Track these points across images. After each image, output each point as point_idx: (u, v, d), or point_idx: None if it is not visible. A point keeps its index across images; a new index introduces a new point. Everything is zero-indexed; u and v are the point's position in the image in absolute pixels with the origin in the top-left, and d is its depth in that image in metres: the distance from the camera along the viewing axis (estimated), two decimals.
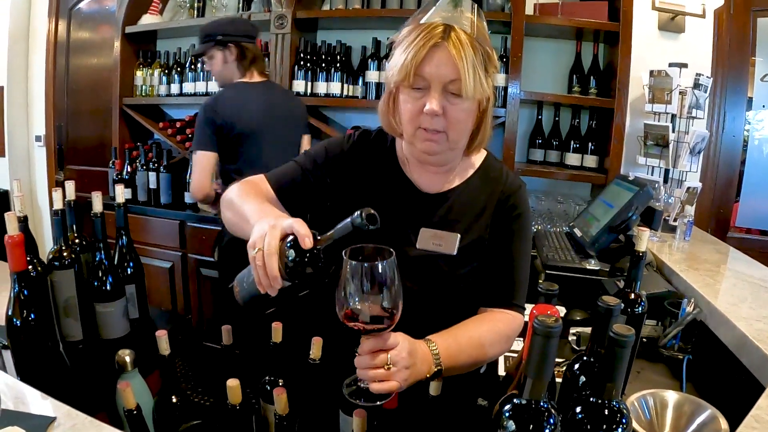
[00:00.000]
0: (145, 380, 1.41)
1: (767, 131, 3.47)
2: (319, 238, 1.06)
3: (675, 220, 2.80)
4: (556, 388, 1.12)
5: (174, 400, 1.35)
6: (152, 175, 3.84)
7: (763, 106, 3.44)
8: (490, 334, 1.40)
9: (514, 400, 0.83)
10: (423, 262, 1.46)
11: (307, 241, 1.05)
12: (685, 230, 2.68)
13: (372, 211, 1.03)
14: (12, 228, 1.31)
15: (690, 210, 2.79)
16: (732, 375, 1.47)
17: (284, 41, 3.56)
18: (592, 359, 1.03)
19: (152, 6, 4.13)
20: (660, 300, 1.82)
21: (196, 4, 4.05)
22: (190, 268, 3.76)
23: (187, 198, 3.80)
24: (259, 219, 1.17)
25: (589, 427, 0.87)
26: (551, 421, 0.81)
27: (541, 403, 0.81)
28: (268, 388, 1.38)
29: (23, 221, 1.51)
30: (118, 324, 1.71)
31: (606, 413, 0.86)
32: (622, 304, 1.21)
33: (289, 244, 1.05)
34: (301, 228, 1.06)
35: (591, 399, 0.88)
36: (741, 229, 3.59)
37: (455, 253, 1.45)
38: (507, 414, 0.82)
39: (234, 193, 1.43)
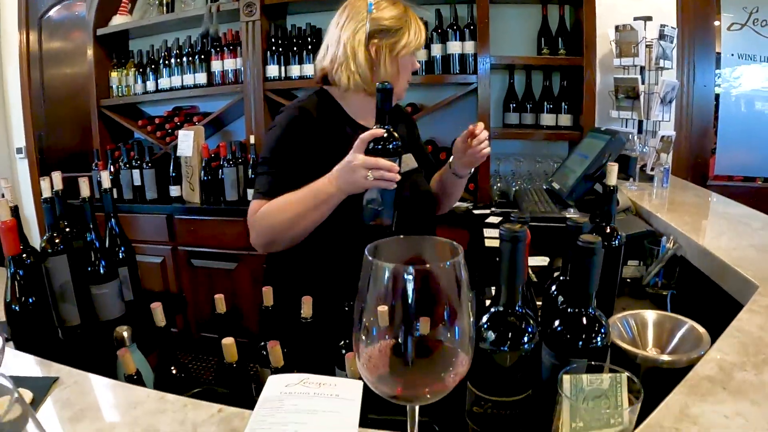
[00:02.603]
0: None
1: (745, 87, 3.51)
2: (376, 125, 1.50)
3: (652, 169, 2.85)
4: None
5: (174, 371, 1.38)
6: (136, 173, 3.86)
7: (732, 55, 3.48)
8: None
9: (492, 309, 0.86)
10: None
11: (378, 130, 1.47)
12: (662, 178, 2.73)
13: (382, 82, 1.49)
14: (4, 214, 1.35)
15: (666, 158, 2.84)
16: (714, 303, 1.51)
17: (254, 28, 3.58)
18: (567, 278, 1.08)
19: (121, 6, 4.11)
20: (640, 239, 1.85)
21: (164, 1, 4.04)
22: (181, 260, 3.79)
23: (173, 191, 3.84)
24: (321, 185, 1.55)
25: (569, 336, 0.89)
26: (529, 324, 0.85)
27: (517, 308, 0.85)
28: (264, 353, 1.42)
29: (14, 210, 1.54)
30: (113, 305, 1.75)
31: (584, 321, 0.89)
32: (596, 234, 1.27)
33: (371, 146, 1.48)
34: (366, 134, 1.47)
35: (568, 310, 0.91)
36: (722, 177, 3.63)
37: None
38: (486, 325, 0.85)
39: (266, 211, 1.62)
